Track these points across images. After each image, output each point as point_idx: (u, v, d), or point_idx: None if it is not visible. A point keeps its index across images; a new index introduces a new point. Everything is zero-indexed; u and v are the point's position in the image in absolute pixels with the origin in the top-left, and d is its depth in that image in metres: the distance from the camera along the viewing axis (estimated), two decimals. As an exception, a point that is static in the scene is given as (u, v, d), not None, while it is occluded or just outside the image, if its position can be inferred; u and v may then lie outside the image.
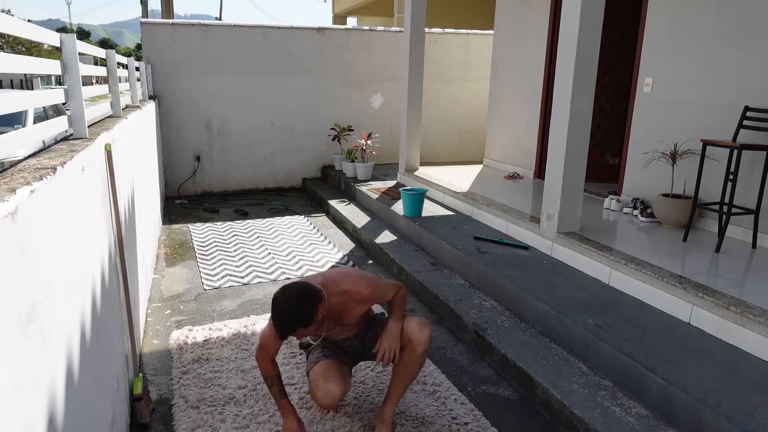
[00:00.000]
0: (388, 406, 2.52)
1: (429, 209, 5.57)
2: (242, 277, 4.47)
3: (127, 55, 6.63)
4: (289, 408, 2.46)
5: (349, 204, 6.57)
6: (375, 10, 16.03)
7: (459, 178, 6.47)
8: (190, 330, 3.51)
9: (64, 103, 2.56)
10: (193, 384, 2.90)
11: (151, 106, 5.63)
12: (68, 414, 1.49)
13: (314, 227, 6.01)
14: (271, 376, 2.44)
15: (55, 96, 2.20)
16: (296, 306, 2.15)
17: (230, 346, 3.32)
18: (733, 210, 3.82)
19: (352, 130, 7.82)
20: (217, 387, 2.88)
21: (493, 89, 7.33)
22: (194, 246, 5.28)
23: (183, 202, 7.27)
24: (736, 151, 3.82)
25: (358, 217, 5.94)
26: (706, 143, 3.94)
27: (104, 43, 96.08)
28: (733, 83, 4.11)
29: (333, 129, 7.87)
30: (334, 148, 8.16)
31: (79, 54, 2.47)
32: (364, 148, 7.26)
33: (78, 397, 1.62)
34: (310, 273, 4.60)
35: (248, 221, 6.25)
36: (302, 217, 6.49)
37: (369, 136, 7.30)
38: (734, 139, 3.99)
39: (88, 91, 2.70)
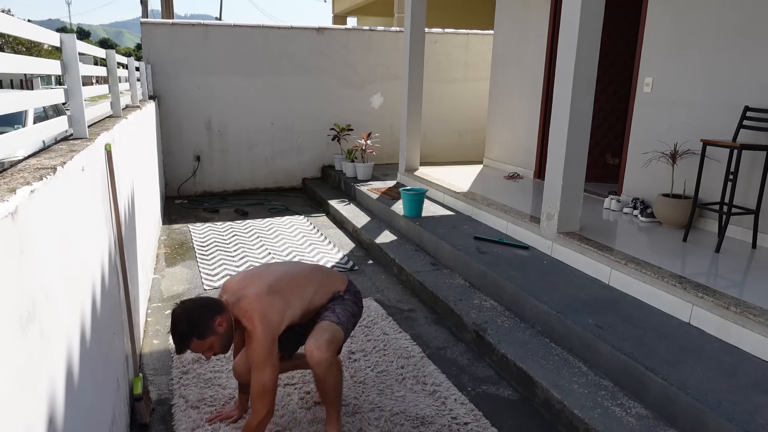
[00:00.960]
0: (330, 427, 2.46)
1: (429, 209, 5.57)
2: (242, 277, 4.46)
3: (127, 55, 6.63)
4: (243, 401, 2.63)
5: (349, 204, 6.57)
6: (375, 10, 16.02)
7: (459, 178, 6.47)
8: (190, 330, 3.51)
9: (64, 103, 2.56)
10: (193, 384, 2.90)
11: (151, 106, 5.63)
12: (68, 414, 1.49)
13: (314, 227, 6.02)
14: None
15: (55, 96, 2.20)
16: (189, 317, 2.14)
17: (230, 346, 3.32)
18: (733, 210, 3.82)
19: (352, 130, 7.82)
20: (217, 387, 2.88)
21: (493, 89, 7.33)
22: (194, 246, 5.28)
23: (183, 202, 7.26)
24: (736, 151, 3.82)
25: (358, 217, 5.94)
26: (706, 143, 3.94)
27: (104, 43, 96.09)
28: (733, 83, 4.11)
29: (333, 129, 7.87)
30: (334, 148, 8.16)
31: (79, 54, 2.47)
32: (364, 148, 7.26)
33: (78, 397, 1.62)
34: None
35: (248, 221, 6.25)
36: (302, 217, 6.49)
37: (369, 136, 7.30)
38: (734, 139, 3.99)
39: (88, 91, 2.70)
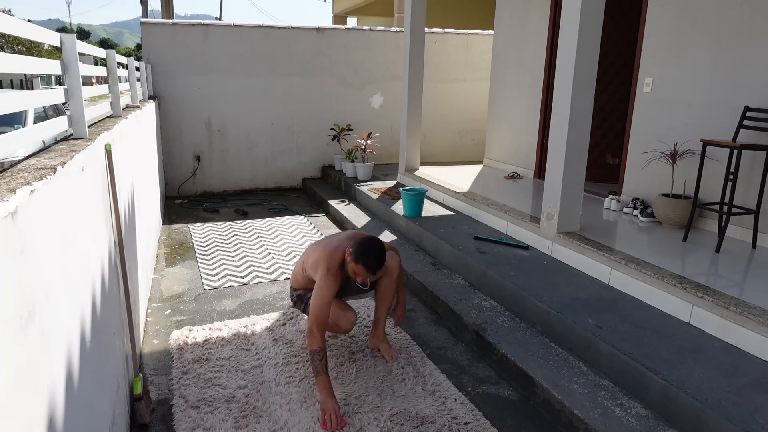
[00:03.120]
0: (379, 329, 3.21)
1: (429, 209, 5.57)
2: (242, 277, 4.47)
3: (127, 55, 6.63)
4: (329, 384, 2.63)
5: (349, 204, 6.57)
6: (375, 10, 16.04)
7: (459, 178, 6.47)
8: (190, 330, 3.51)
9: (64, 103, 2.56)
10: (193, 384, 2.90)
11: (151, 106, 5.63)
12: (68, 414, 1.49)
13: (314, 227, 6.02)
14: (323, 349, 2.67)
15: (55, 96, 2.20)
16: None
17: (230, 346, 3.32)
18: (733, 210, 3.82)
19: (352, 130, 7.82)
20: (217, 387, 2.88)
21: (493, 89, 7.33)
22: (194, 246, 5.28)
23: (183, 202, 7.27)
24: (736, 151, 3.82)
25: (358, 217, 5.93)
26: (706, 143, 3.94)
27: (104, 43, 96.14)
28: (733, 83, 4.11)
29: (333, 129, 7.87)
30: (334, 148, 8.16)
31: (79, 54, 2.47)
32: (364, 148, 7.26)
33: (78, 397, 1.62)
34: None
35: (248, 221, 6.25)
36: (302, 217, 6.49)
37: (369, 136, 7.30)
38: (734, 139, 3.99)
39: (88, 91, 2.70)
